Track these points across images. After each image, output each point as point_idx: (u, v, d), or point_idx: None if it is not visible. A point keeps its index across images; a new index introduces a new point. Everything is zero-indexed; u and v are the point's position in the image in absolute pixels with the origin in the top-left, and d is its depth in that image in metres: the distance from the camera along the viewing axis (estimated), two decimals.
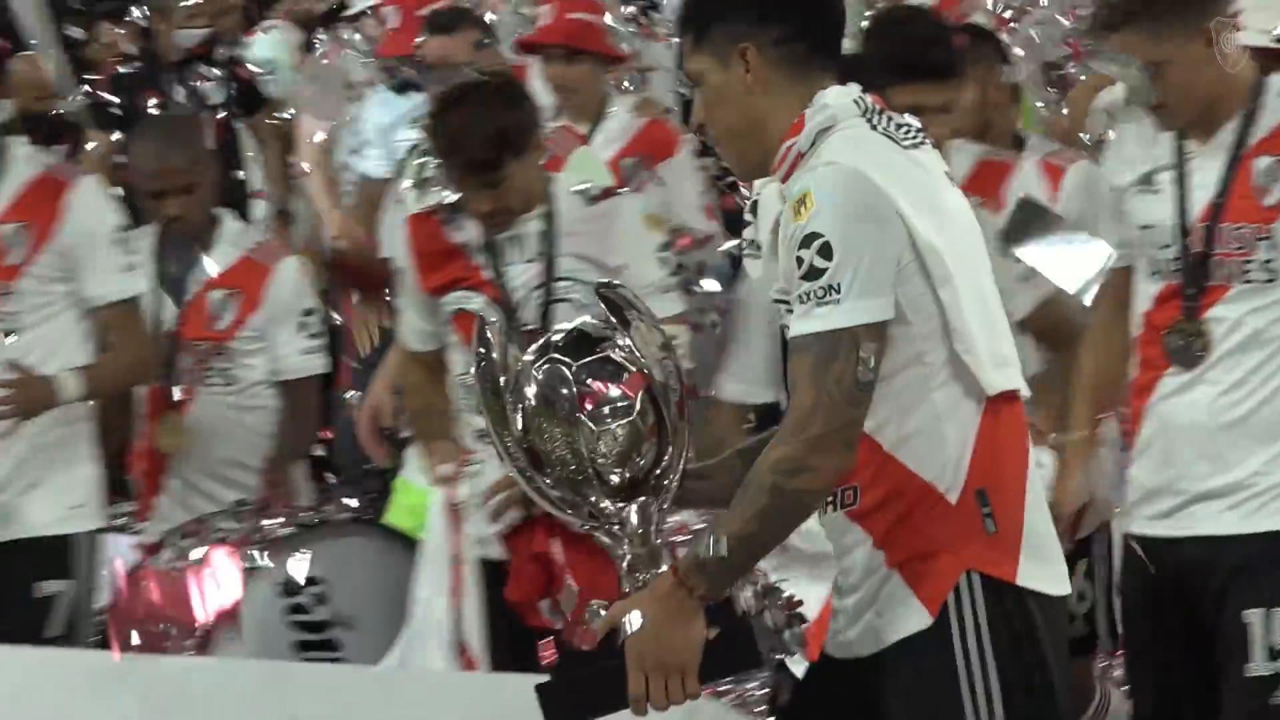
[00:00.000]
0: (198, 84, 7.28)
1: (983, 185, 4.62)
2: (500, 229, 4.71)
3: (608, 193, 4.99)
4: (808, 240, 2.94)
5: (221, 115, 7.20)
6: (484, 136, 4.56)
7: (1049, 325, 4.52)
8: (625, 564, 3.11)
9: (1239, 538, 3.85)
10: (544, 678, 3.49)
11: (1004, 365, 3.06)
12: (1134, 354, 4.05)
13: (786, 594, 3.05)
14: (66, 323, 5.11)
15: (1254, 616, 3.82)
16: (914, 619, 3.00)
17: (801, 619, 3.04)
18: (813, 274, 2.93)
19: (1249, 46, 4.47)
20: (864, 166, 2.98)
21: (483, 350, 3.14)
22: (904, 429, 3.02)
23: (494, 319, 3.31)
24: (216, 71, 7.31)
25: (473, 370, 3.17)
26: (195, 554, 5.12)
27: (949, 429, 3.02)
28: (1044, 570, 3.08)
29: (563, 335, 3.14)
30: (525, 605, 4.69)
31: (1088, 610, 4.78)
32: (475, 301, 4.63)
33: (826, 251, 2.93)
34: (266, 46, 7.91)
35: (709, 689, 3.19)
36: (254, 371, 5.49)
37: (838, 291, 2.93)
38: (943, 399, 3.02)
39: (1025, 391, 3.12)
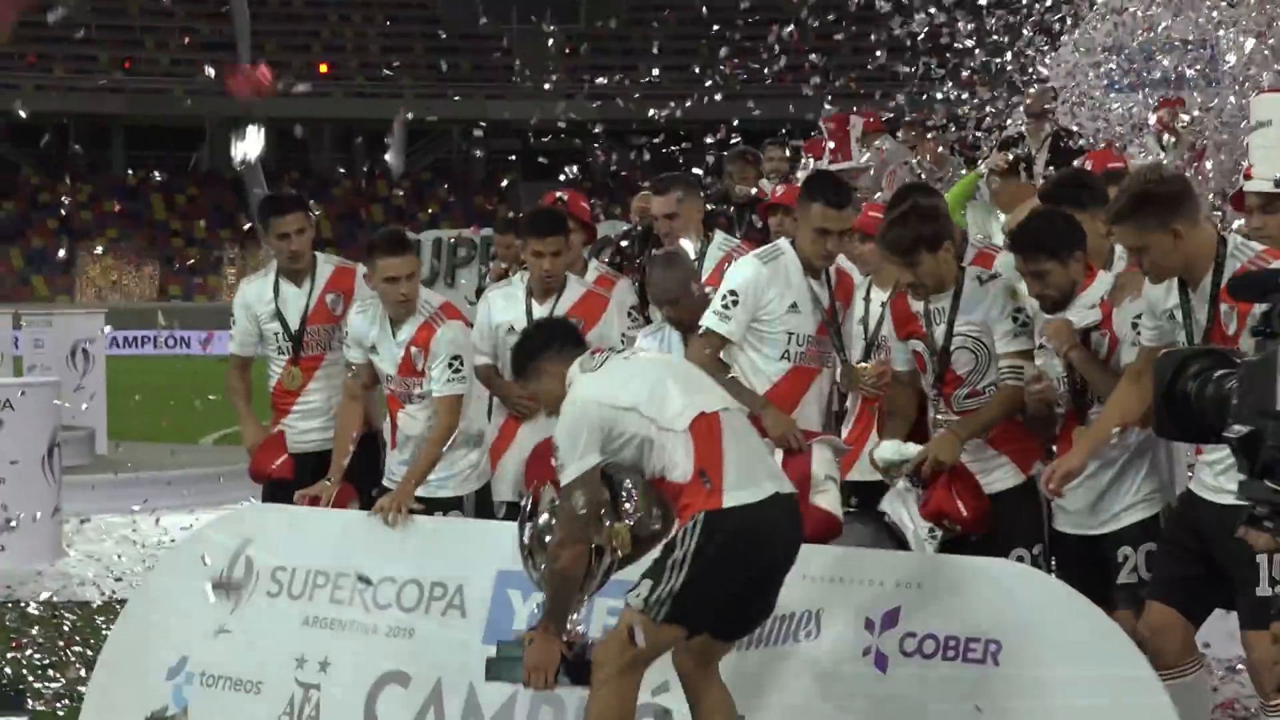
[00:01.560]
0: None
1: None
2: (921, 299, 6.39)
3: (993, 277, 6.51)
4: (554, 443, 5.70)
5: None
6: (907, 237, 6.29)
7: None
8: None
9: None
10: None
11: (684, 412, 5.56)
12: None
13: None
14: None
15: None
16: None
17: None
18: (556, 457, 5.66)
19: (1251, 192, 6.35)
20: (573, 395, 5.68)
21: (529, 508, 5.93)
22: (662, 469, 5.56)
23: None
24: None
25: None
26: None
27: (678, 455, 5.53)
28: (741, 494, 5.47)
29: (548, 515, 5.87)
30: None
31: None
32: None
33: (558, 446, 5.63)
34: None
35: (563, 686, 5.75)
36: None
37: (565, 467, 5.59)
38: (667, 444, 5.54)
39: (714, 407, 5.61)
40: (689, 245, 7.93)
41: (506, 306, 7.91)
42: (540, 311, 7.79)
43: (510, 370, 6.24)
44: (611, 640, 5.58)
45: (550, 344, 5.95)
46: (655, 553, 5.65)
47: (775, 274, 6.79)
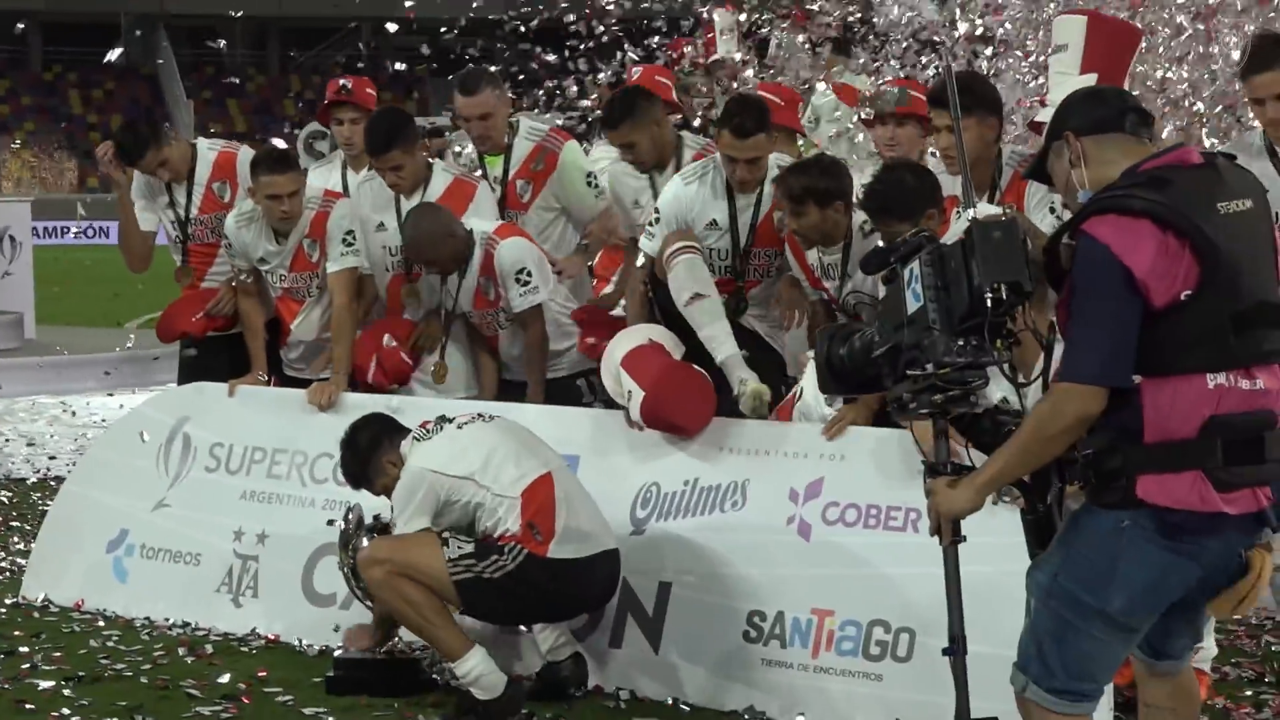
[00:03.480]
0: None
1: None
2: (807, 248, 6.14)
3: (874, 230, 5.96)
4: None
5: None
6: (798, 186, 6.00)
7: None
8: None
9: None
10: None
11: (519, 479, 5.66)
12: None
13: None
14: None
15: None
16: None
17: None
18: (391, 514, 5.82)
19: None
20: (409, 464, 5.75)
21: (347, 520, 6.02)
22: (492, 527, 5.65)
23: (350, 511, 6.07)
24: None
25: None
26: None
27: (509, 517, 5.63)
28: (566, 549, 5.63)
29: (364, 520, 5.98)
30: None
31: None
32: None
33: (393, 506, 5.78)
34: None
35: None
36: None
37: (394, 524, 5.76)
38: (500, 508, 5.63)
39: (546, 468, 5.72)
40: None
41: (375, 204, 7.34)
42: (408, 205, 7.15)
43: (351, 464, 6.03)
44: (387, 550, 5.71)
45: (377, 442, 5.92)
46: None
47: (699, 192, 6.43)
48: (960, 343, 3.88)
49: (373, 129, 7.19)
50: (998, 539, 5.14)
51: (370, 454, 5.92)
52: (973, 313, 3.86)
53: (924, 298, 3.92)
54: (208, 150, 7.67)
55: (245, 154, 7.57)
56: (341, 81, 7.84)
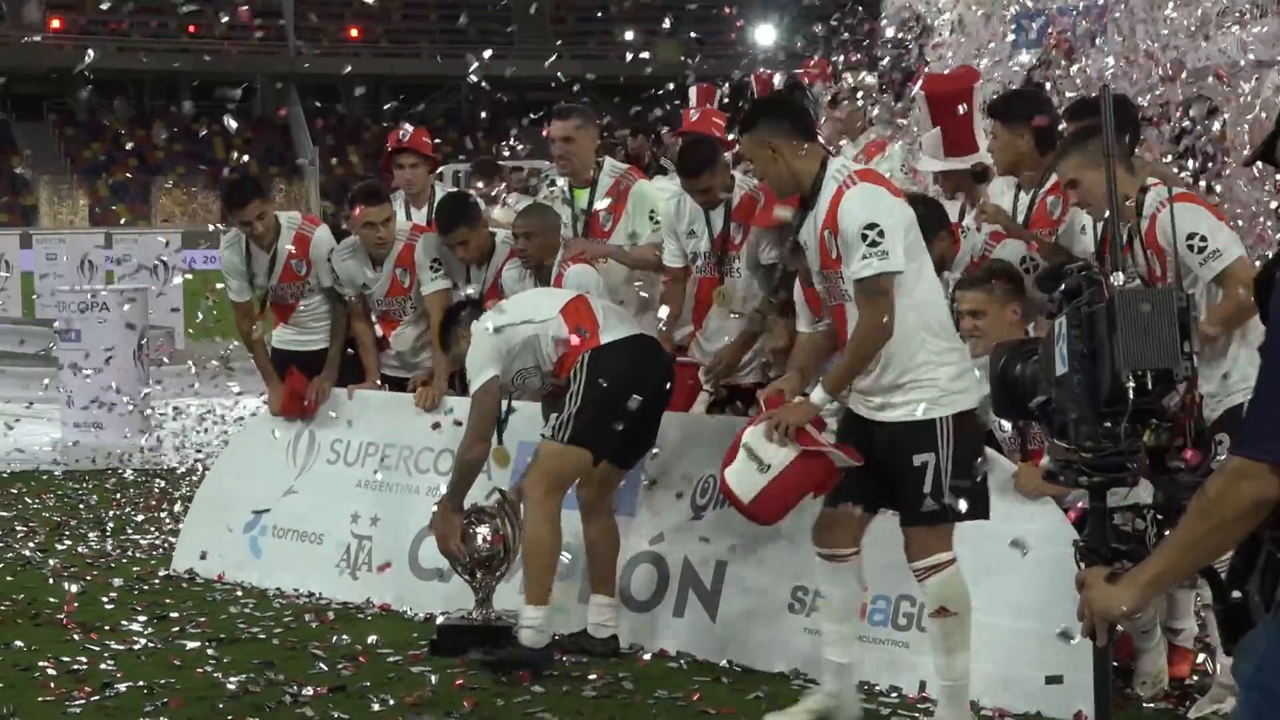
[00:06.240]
0: None
1: None
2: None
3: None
4: None
5: None
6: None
7: None
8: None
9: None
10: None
11: (554, 304, 5.87)
12: None
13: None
14: None
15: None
16: None
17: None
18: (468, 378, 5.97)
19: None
20: (472, 334, 5.94)
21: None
22: (552, 350, 5.73)
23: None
24: None
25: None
26: None
27: (560, 331, 5.73)
28: (612, 334, 5.69)
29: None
30: None
31: None
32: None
33: (467, 370, 5.91)
34: None
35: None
36: None
37: (472, 381, 5.83)
38: (550, 330, 5.75)
39: (577, 294, 5.95)
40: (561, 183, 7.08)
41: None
42: (477, 274, 7.05)
43: (441, 333, 6.61)
44: (532, 472, 5.70)
45: (456, 318, 6.33)
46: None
47: (681, 203, 6.48)
48: (1108, 425, 2.96)
49: (440, 212, 7.10)
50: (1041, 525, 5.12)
51: (452, 324, 6.34)
52: (1115, 398, 2.94)
53: (1069, 365, 3.00)
54: (287, 227, 7.44)
55: (320, 234, 7.44)
56: (400, 132, 7.74)
